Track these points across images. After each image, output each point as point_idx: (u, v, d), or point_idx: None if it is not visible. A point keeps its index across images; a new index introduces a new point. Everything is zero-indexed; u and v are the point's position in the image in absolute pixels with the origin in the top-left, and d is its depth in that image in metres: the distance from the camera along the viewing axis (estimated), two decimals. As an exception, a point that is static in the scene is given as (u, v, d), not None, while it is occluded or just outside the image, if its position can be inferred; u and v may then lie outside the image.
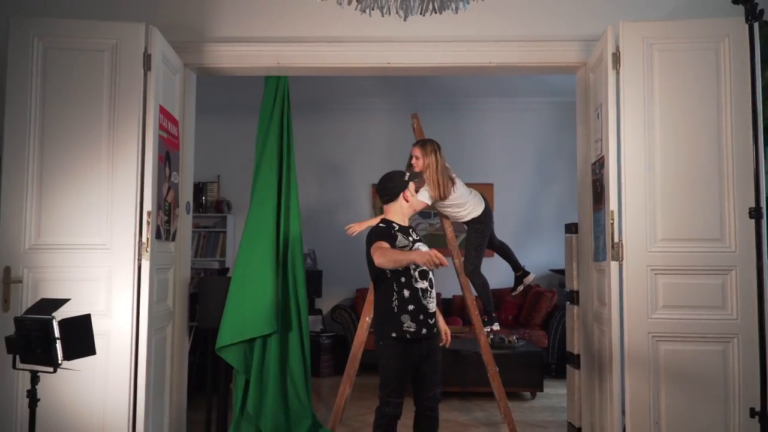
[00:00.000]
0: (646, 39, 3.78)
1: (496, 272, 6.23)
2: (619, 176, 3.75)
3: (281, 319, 4.60)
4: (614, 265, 3.74)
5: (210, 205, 8.42)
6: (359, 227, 4.46)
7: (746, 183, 3.54)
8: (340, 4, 2.71)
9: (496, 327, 4.87)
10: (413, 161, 4.61)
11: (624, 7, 4.33)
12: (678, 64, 3.76)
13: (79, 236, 3.74)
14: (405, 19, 2.79)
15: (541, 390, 6.12)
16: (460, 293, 4.97)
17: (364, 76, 5.61)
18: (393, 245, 3.36)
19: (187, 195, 4.57)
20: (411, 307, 3.38)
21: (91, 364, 3.26)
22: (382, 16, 2.77)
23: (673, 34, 3.78)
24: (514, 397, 6.04)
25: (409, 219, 3.67)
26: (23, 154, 3.72)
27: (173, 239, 4.29)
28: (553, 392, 6.35)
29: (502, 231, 5.74)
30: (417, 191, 4.59)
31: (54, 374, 2.87)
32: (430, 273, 3.48)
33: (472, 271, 4.72)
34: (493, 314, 4.89)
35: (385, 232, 3.44)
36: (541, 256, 8.00)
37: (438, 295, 3.71)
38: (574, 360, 4.59)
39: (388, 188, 3.56)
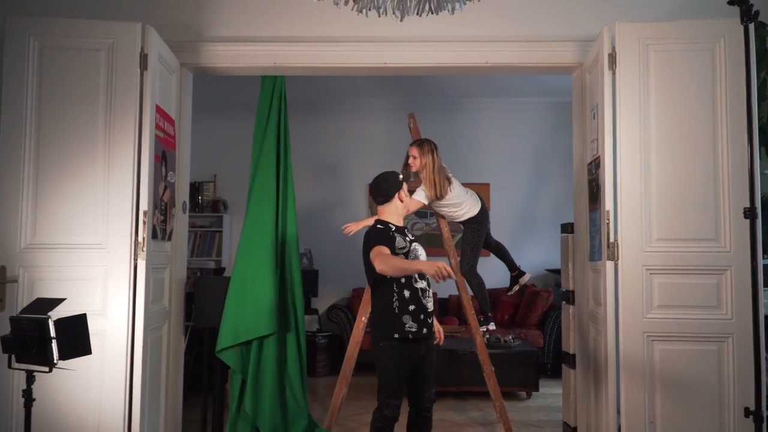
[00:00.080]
0: (642, 39, 3.79)
1: (492, 272, 6.24)
2: (615, 176, 3.77)
3: (279, 320, 4.60)
4: (610, 264, 3.75)
5: (206, 205, 8.42)
6: (356, 227, 4.47)
7: (741, 183, 3.55)
8: (337, 4, 2.71)
9: (492, 327, 4.88)
10: (410, 161, 4.61)
11: (620, 7, 4.34)
12: (674, 64, 3.77)
13: (75, 235, 3.74)
14: (401, 20, 2.80)
15: (537, 390, 6.13)
16: (456, 293, 4.98)
17: (360, 76, 5.62)
18: (392, 247, 3.36)
19: (183, 194, 4.57)
20: (412, 308, 3.38)
21: (86, 363, 3.25)
22: (379, 16, 2.78)
23: (668, 34, 3.79)
24: (510, 396, 6.05)
25: (404, 219, 3.67)
26: (19, 154, 3.71)
27: (169, 239, 4.29)
28: (549, 392, 6.36)
29: (498, 231, 5.75)
30: (412, 191, 4.63)
31: (49, 374, 2.88)
32: None
33: (468, 271, 4.72)
34: (489, 314, 4.90)
35: (383, 234, 3.43)
36: (537, 255, 8.00)
37: (434, 294, 3.71)
38: (570, 360, 4.60)
39: (383, 189, 3.55)
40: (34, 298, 3.23)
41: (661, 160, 3.73)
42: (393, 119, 8.09)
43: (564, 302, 4.77)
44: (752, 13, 2.97)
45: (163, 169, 4.12)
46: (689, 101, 3.74)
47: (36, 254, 3.70)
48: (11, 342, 2.85)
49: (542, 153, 8.34)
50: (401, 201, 3.58)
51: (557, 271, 6.90)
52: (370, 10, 2.74)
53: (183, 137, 4.54)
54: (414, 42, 4.39)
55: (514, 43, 4.40)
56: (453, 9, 2.75)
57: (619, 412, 3.70)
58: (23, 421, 2.92)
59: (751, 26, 3.05)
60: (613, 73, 3.82)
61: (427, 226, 8.10)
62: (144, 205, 3.79)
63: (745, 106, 3.07)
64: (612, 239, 3.75)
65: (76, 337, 2.87)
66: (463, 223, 4.78)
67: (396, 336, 3.35)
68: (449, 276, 3.06)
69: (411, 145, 4.66)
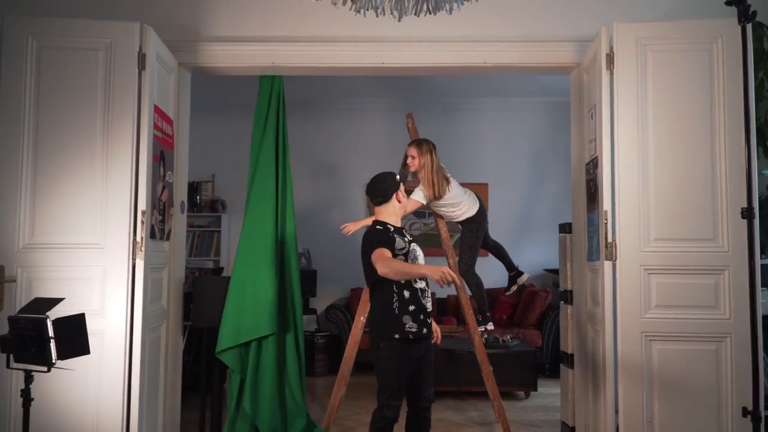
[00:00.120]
0: (639, 40, 3.79)
1: (491, 272, 6.24)
2: (613, 176, 3.77)
3: (278, 320, 4.60)
4: (608, 264, 3.75)
5: (204, 205, 8.42)
6: (354, 227, 4.47)
7: (739, 183, 3.55)
8: (335, 4, 2.71)
9: (490, 326, 4.89)
10: (409, 161, 4.62)
11: (618, 7, 4.34)
12: (671, 64, 3.77)
13: (74, 235, 3.74)
14: (399, 20, 2.80)
15: (535, 389, 6.13)
16: (455, 293, 4.99)
17: (358, 76, 5.61)
18: (392, 248, 3.36)
19: (181, 194, 4.57)
20: (412, 308, 3.38)
21: (85, 363, 3.25)
22: (377, 16, 2.78)
23: (666, 34, 3.80)
24: (508, 396, 6.06)
25: (402, 219, 3.67)
26: (17, 153, 3.71)
27: (167, 239, 4.29)
28: (547, 391, 6.36)
29: (496, 231, 5.75)
30: (409, 191, 4.63)
31: (48, 374, 2.88)
32: None
33: (466, 271, 4.73)
34: (488, 314, 4.91)
35: (383, 235, 3.42)
36: (535, 255, 8.01)
37: (432, 294, 3.71)
38: (568, 359, 4.60)
39: (382, 189, 3.54)
40: (32, 298, 3.23)
41: (659, 160, 3.74)
42: (391, 119, 8.09)
43: (562, 302, 4.78)
44: (750, 13, 2.98)
45: (162, 169, 4.12)
46: (687, 101, 3.74)
47: (34, 254, 3.70)
48: (9, 342, 2.85)
49: (540, 153, 8.35)
50: (399, 201, 3.57)
51: (555, 271, 6.91)
52: (367, 10, 2.74)
53: (181, 137, 4.54)
54: (412, 42, 4.40)
55: (512, 43, 4.41)
56: (451, 9, 2.75)
57: (617, 411, 3.70)
58: (21, 421, 2.92)
59: (749, 26, 3.05)
60: (611, 73, 3.82)
61: (426, 226, 8.11)
62: (142, 205, 3.79)
63: (742, 106, 3.07)
64: (610, 239, 3.76)
65: (74, 336, 2.87)
66: (462, 223, 4.78)
67: (396, 336, 3.35)
68: (454, 281, 3.08)
69: (409, 145, 4.66)
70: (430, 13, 2.73)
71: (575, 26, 4.39)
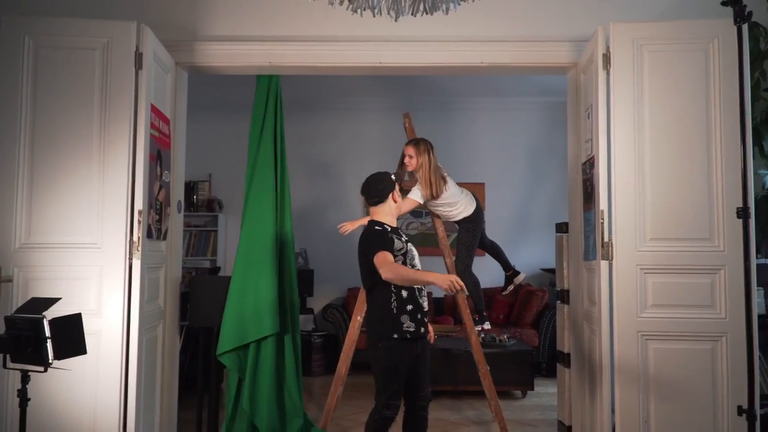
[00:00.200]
0: (636, 40, 3.80)
1: (487, 271, 6.24)
2: (609, 176, 3.78)
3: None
4: (604, 264, 3.76)
5: (201, 204, 8.40)
6: (351, 226, 4.47)
7: (735, 183, 3.55)
8: (332, 4, 2.72)
9: (487, 326, 4.89)
10: (406, 160, 4.62)
11: (615, 7, 4.35)
12: (668, 64, 3.78)
13: (70, 235, 3.74)
14: (396, 20, 2.80)
15: (532, 389, 6.14)
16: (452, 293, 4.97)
17: (355, 76, 5.62)
18: (391, 250, 3.36)
19: (178, 194, 4.56)
20: (409, 307, 3.38)
21: (81, 363, 3.24)
22: (374, 16, 2.78)
23: (662, 35, 3.80)
24: (505, 395, 6.06)
25: (399, 219, 3.66)
26: (14, 153, 3.71)
27: (164, 238, 4.28)
28: (544, 391, 6.37)
29: (493, 230, 5.76)
30: (406, 191, 4.63)
31: (45, 374, 2.87)
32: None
33: (463, 270, 4.73)
34: (484, 313, 4.91)
35: (383, 236, 3.40)
36: (532, 255, 8.01)
37: (429, 294, 3.72)
38: (565, 359, 4.61)
39: (378, 190, 3.53)
40: (28, 298, 3.22)
41: (655, 159, 3.74)
42: (388, 119, 8.08)
43: (559, 301, 4.79)
44: (745, 13, 2.99)
45: (158, 169, 4.12)
46: (683, 101, 3.75)
47: (31, 254, 3.70)
48: (6, 342, 2.84)
49: (537, 153, 8.35)
50: (395, 201, 3.57)
51: (552, 271, 6.90)
52: (364, 10, 2.74)
53: (178, 136, 4.53)
54: (409, 42, 4.40)
55: (509, 43, 4.41)
56: (447, 9, 2.76)
57: (613, 411, 3.71)
58: (18, 421, 2.91)
59: (745, 27, 3.07)
60: (608, 73, 3.83)
61: (423, 225, 8.11)
62: (139, 205, 3.78)
63: (738, 106, 3.08)
64: (606, 239, 3.76)
65: (71, 336, 2.87)
66: (459, 222, 4.79)
67: (395, 336, 3.35)
68: (462, 289, 3.09)
69: (407, 144, 4.67)
70: (426, 13, 2.74)
71: (572, 26, 4.39)
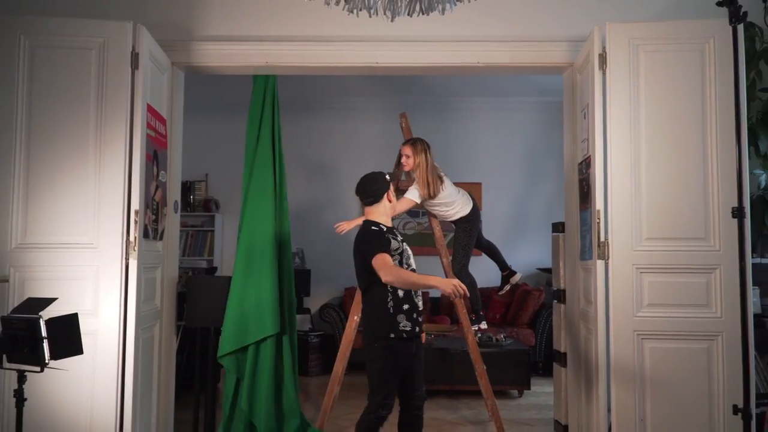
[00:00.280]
0: (632, 40, 3.81)
1: (484, 271, 6.24)
2: (605, 176, 3.78)
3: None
4: (600, 263, 3.77)
5: (198, 204, 8.40)
6: (348, 225, 4.47)
7: (730, 183, 3.56)
8: (328, 4, 2.72)
9: (483, 325, 4.90)
10: (403, 160, 4.62)
11: (612, 8, 4.36)
12: (664, 64, 3.79)
13: (66, 235, 3.73)
14: (392, 20, 2.80)
15: (529, 388, 6.15)
16: (449, 292, 4.97)
17: (352, 76, 5.61)
18: (388, 250, 3.35)
19: (174, 194, 4.56)
20: (406, 307, 3.38)
21: (78, 363, 3.25)
22: (370, 16, 2.79)
23: (658, 35, 3.81)
24: (502, 395, 6.07)
25: (396, 218, 3.66)
26: (10, 153, 3.71)
27: (161, 238, 4.28)
28: (540, 390, 6.38)
29: (490, 230, 5.76)
30: (403, 191, 4.64)
31: (41, 374, 2.87)
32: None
33: (459, 270, 4.73)
34: (481, 313, 4.91)
35: (380, 237, 3.40)
36: (528, 254, 8.02)
37: (426, 293, 3.72)
38: (561, 358, 4.62)
39: (373, 189, 3.53)
40: (25, 298, 3.22)
41: (651, 159, 3.75)
42: (385, 118, 8.08)
43: (555, 301, 4.79)
44: (741, 14, 3.00)
45: (155, 169, 4.12)
46: (679, 101, 3.76)
47: (27, 254, 3.69)
48: (2, 342, 2.84)
49: (534, 152, 8.36)
50: (389, 201, 3.57)
51: (549, 270, 6.93)
52: (360, 10, 2.75)
53: (174, 136, 4.53)
54: (406, 42, 4.40)
55: (505, 43, 4.42)
56: (443, 10, 2.76)
57: (609, 410, 3.72)
58: (14, 421, 2.91)
59: (740, 27, 3.07)
60: (604, 73, 3.83)
61: (419, 225, 8.12)
62: (135, 205, 3.78)
63: (734, 106, 3.09)
64: (602, 238, 3.77)
65: (67, 336, 2.87)
66: (455, 222, 4.79)
67: (392, 336, 3.35)
68: (465, 294, 3.09)
69: (404, 144, 4.67)
70: (423, 14, 2.74)
71: (568, 26, 4.40)
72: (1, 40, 3.73)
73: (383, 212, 3.55)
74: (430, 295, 7.62)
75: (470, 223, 4.74)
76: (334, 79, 7.19)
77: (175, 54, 4.40)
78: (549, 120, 8.06)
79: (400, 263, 3.40)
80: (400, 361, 3.38)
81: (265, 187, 4.65)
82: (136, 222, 3.77)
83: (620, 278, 3.71)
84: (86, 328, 3.16)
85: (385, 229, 3.47)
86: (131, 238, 3.77)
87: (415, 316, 3.41)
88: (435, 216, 4.85)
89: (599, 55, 3.84)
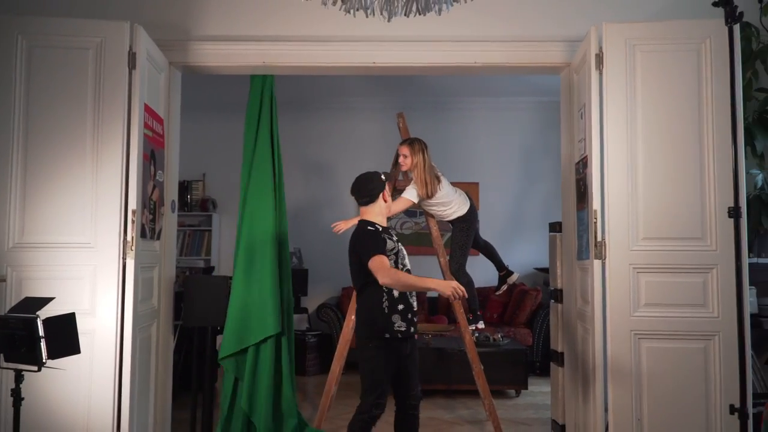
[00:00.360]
0: (628, 40, 3.82)
1: (481, 271, 6.26)
2: (602, 176, 3.79)
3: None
4: (597, 263, 3.77)
5: (195, 204, 8.40)
6: (345, 225, 4.47)
7: (727, 182, 3.57)
8: (325, 4, 2.72)
9: (480, 325, 4.91)
10: (401, 160, 4.63)
11: (608, 8, 4.37)
12: (660, 64, 3.80)
13: (64, 235, 3.73)
14: (389, 20, 2.81)
15: (526, 388, 6.15)
16: (446, 292, 4.98)
17: (349, 76, 5.61)
18: (384, 251, 3.34)
19: (172, 193, 4.56)
20: (401, 307, 3.39)
21: (75, 362, 3.24)
22: (366, 16, 2.79)
23: (655, 35, 3.82)
24: (499, 394, 6.07)
25: (392, 218, 3.66)
26: (7, 153, 3.70)
27: (158, 238, 4.28)
28: (538, 390, 6.39)
29: (487, 230, 5.78)
30: (400, 191, 4.64)
31: (38, 373, 2.88)
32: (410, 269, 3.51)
33: (457, 270, 4.74)
34: (478, 312, 4.92)
35: (376, 237, 3.39)
36: (526, 254, 8.03)
37: (422, 293, 3.73)
38: (558, 358, 4.63)
39: (369, 189, 3.52)
40: (22, 298, 3.22)
41: (648, 159, 3.76)
42: (382, 118, 8.09)
43: (552, 301, 4.80)
44: (737, 14, 3.00)
45: (152, 168, 4.12)
46: (675, 101, 3.77)
47: (24, 253, 3.69)
48: (-1, 341, 2.84)
49: (531, 152, 8.37)
50: (385, 201, 3.57)
51: (546, 270, 6.93)
52: (357, 10, 2.75)
53: (172, 136, 4.53)
54: (403, 42, 4.41)
55: (502, 43, 4.42)
56: (440, 10, 2.77)
57: (606, 409, 3.73)
58: (12, 421, 2.91)
59: (736, 27, 3.09)
60: (600, 74, 3.84)
61: (417, 225, 8.12)
62: (133, 204, 3.78)
63: (730, 106, 3.10)
64: (599, 238, 3.78)
65: (64, 336, 2.87)
66: (452, 222, 4.80)
67: (387, 336, 3.35)
68: (464, 296, 3.09)
69: (401, 144, 4.67)
70: (419, 14, 2.74)
71: (565, 26, 4.41)
72: (-1, 39, 3.74)
73: (379, 212, 3.54)
74: (427, 294, 7.62)
75: (467, 223, 4.75)
76: (331, 79, 7.20)
77: (173, 54, 4.40)
78: (546, 120, 8.07)
79: (395, 263, 3.40)
80: (394, 362, 3.38)
81: (265, 187, 4.65)
82: (133, 221, 3.78)
83: (617, 278, 3.72)
84: (83, 327, 3.17)
85: (380, 230, 3.47)
86: (128, 238, 3.77)
87: (410, 316, 3.41)
88: (432, 216, 4.86)
89: (596, 55, 3.85)
